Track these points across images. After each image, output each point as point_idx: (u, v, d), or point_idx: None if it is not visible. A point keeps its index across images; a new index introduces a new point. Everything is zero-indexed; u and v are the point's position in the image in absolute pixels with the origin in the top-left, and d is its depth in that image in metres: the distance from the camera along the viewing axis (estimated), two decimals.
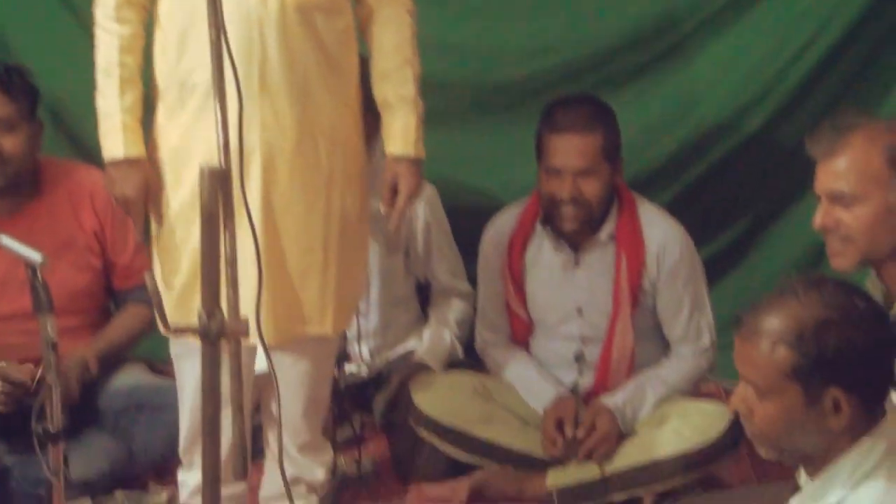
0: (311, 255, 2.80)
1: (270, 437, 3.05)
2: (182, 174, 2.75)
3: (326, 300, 2.83)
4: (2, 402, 3.18)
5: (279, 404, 2.27)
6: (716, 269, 3.85)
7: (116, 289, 3.48)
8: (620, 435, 3.29)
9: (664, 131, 3.95)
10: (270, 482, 3.13)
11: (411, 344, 3.75)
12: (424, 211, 3.68)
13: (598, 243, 3.36)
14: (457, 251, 3.79)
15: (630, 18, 3.89)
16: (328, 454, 3.12)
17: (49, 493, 2.98)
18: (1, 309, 3.32)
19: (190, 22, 2.68)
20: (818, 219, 2.42)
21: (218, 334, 2.04)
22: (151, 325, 3.42)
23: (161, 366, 3.85)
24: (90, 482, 3.28)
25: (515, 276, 3.44)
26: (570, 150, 3.23)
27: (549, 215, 3.35)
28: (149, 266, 3.34)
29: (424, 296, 3.86)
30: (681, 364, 3.42)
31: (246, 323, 2.07)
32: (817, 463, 1.98)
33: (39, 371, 3.13)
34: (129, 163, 2.74)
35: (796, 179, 3.87)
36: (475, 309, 3.70)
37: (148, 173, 2.77)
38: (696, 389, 3.50)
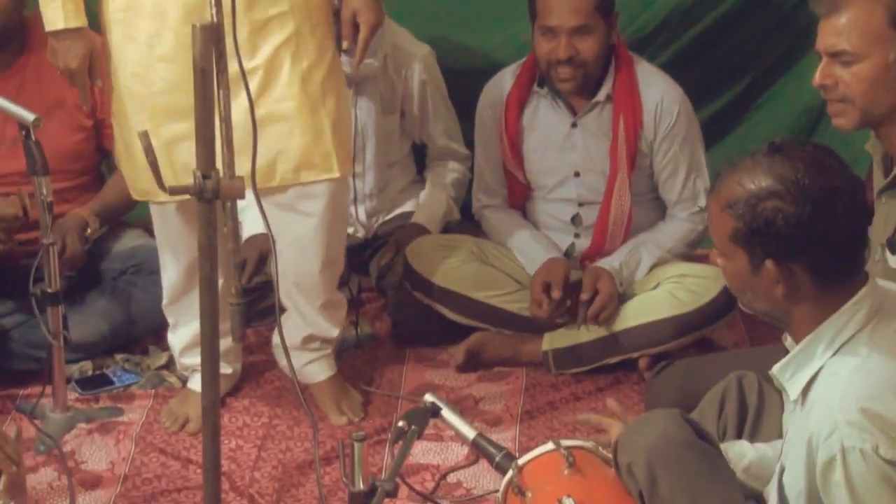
0: (289, 95, 2.76)
1: (287, 296, 3.06)
2: (135, 29, 2.70)
3: (324, 142, 2.81)
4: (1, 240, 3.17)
5: (275, 261, 2.25)
6: (714, 132, 3.83)
7: (108, 149, 3.46)
8: (618, 297, 3.31)
9: None
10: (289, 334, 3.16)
11: (408, 206, 3.75)
12: (420, 71, 3.64)
13: (596, 104, 3.34)
14: (453, 113, 3.76)
15: None
16: (343, 309, 3.13)
17: (49, 355, 3.02)
18: None
19: None
20: (818, 77, 2.41)
21: (214, 194, 2.04)
22: None
23: None
24: (90, 345, 3.32)
25: (512, 138, 3.42)
26: (564, 6, 3.18)
27: (546, 76, 3.32)
28: None
29: (421, 158, 3.85)
30: (677, 227, 3.42)
31: (242, 182, 2.07)
32: (791, 328, 2.01)
33: (27, 199, 3.12)
34: (70, 33, 2.71)
35: (796, 40, 3.83)
36: (472, 172, 3.69)
37: (92, 42, 2.75)
38: (691, 253, 3.51)
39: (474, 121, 3.54)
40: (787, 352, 2.07)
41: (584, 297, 3.27)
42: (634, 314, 3.29)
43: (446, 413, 2.46)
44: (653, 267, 3.37)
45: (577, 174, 3.41)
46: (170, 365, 3.32)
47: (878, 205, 2.52)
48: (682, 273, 3.33)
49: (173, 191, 2.05)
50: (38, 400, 3.08)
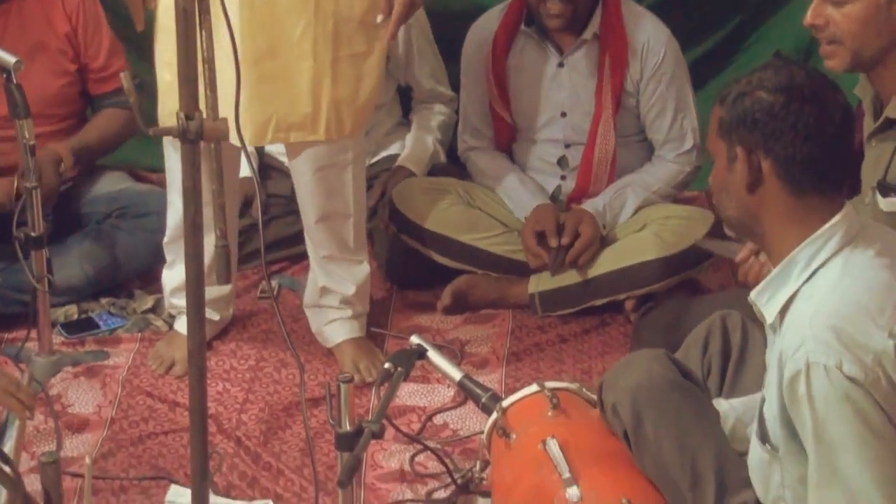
0: (299, 56, 2.75)
1: (308, 244, 3.08)
2: None
3: (319, 104, 2.80)
4: None
5: (258, 205, 2.24)
6: (702, 73, 3.81)
7: (93, 94, 3.43)
8: (602, 239, 3.31)
9: None
10: (308, 290, 3.16)
11: (393, 149, 3.73)
12: None
13: (583, 43, 3.32)
14: (438, 55, 3.73)
15: None
16: (360, 269, 3.09)
17: (33, 299, 3.02)
18: None
19: None
20: (809, 16, 2.40)
21: (197, 135, 2.02)
22: (130, 127, 3.39)
23: (143, 173, 3.86)
24: (74, 288, 3.31)
25: (499, 78, 3.41)
26: None
27: (534, 13, 3.29)
28: (125, 67, 3.31)
29: (406, 101, 3.82)
30: (663, 167, 3.42)
31: (225, 124, 2.05)
32: (767, 247, 2.01)
33: (15, 183, 3.11)
34: None
35: None
36: (457, 114, 3.67)
37: None
38: (678, 195, 3.51)
39: (460, 63, 3.52)
40: None
41: (566, 240, 3.27)
42: (621, 256, 3.29)
43: (432, 355, 2.47)
44: (639, 208, 3.37)
45: (563, 114, 3.40)
46: (156, 308, 3.32)
47: (868, 148, 2.52)
48: (668, 215, 3.33)
49: (156, 132, 2.03)
50: (23, 344, 3.08)
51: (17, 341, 3.13)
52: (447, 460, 2.65)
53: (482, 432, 2.43)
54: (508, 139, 3.53)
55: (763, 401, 2.03)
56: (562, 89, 3.38)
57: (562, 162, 3.46)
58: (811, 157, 1.93)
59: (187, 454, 2.33)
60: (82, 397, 2.98)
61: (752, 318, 2.46)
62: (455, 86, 3.68)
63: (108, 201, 3.43)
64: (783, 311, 1.98)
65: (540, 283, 3.34)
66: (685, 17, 3.78)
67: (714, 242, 2.93)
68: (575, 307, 3.33)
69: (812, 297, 1.92)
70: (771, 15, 3.96)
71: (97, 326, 3.26)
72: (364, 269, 3.11)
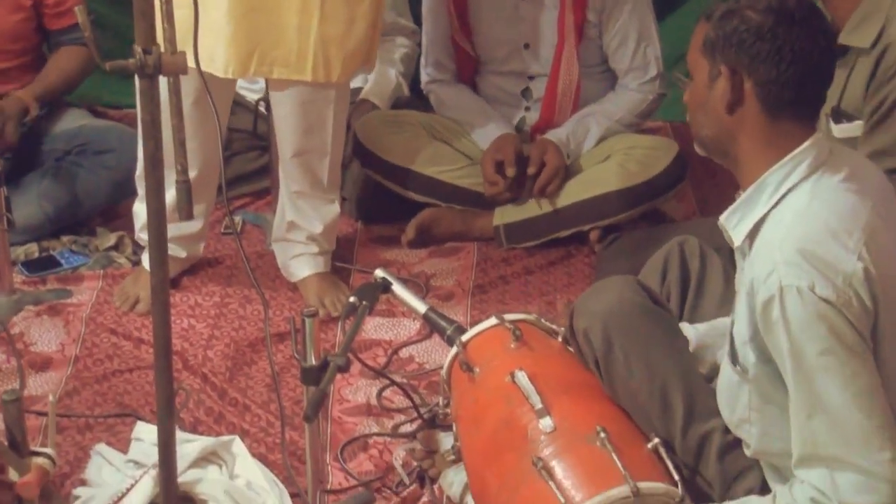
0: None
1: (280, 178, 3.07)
2: None
3: (306, 40, 2.76)
4: None
5: (220, 141, 2.21)
6: (666, 2, 3.79)
7: (49, 29, 3.38)
8: (566, 169, 3.31)
9: None
10: (275, 224, 3.16)
11: (356, 83, 3.70)
12: None
13: None
14: None
15: None
16: (329, 209, 3.08)
17: None
18: None
19: None
20: None
21: (155, 69, 1.99)
22: (89, 64, 3.34)
23: (103, 109, 3.81)
24: (34, 227, 3.28)
25: (461, 9, 3.38)
26: None
27: None
28: (80, 2, 3.25)
29: None
30: (626, 96, 3.41)
31: (184, 57, 2.02)
32: (738, 169, 2.01)
33: None
34: None
35: None
36: (420, 47, 3.64)
37: None
38: (642, 124, 3.51)
39: None
40: None
41: (531, 170, 3.26)
42: (585, 187, 3.29)
43: (397, 288, 2.46)
44: (602, 138, 3.36)
45: (526, 46, 3.38)
46: (118, 245, 3.29)
47: None
48: (633, 145, 3.33)
49: (113, 67, 2.00)
50: None
51: None
52: (413, 394, 2.66)
53: None
54: (471, 72, 3.51)
55: (732, 323, 2.05)
56: (524, 20, 3.35)
57: (525, 93, 3.45)
58: (794, 81, 1.92)
59: (153, 391, 2.32)
60: (45, 336, 2.97)
61: (713, 245, 2.48)
62: (417, 18, 3.65)
63: (67, 138, 3.39)
64: (752, 235, 1.98)
65: (505, 216, 3.34)
66: None
67: None
68: (540, 239, 3.33)
69: (781, 221, 1.93)
70: None
71: (59, 264, 3.23)
72: (334, 209, 3.09)
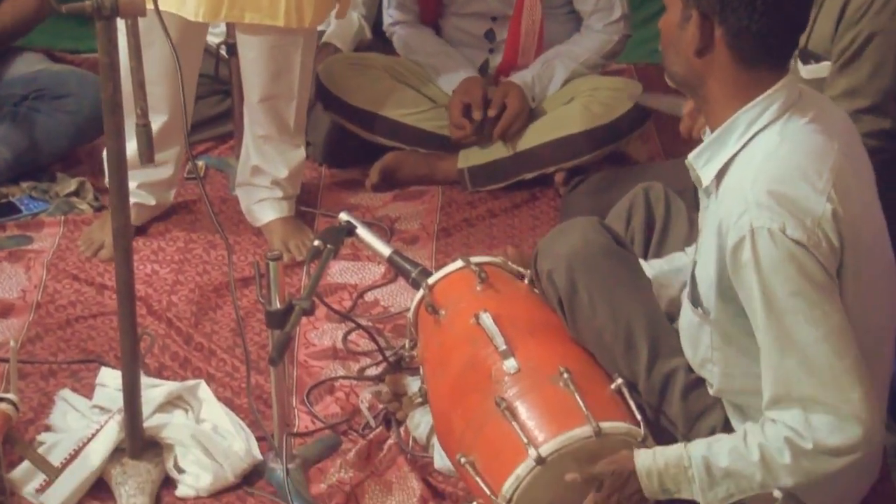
0: None
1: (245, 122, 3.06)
2: None
3: None
4: None
5: (182, 87, 2.18)
6: None
7: None
8: (530, 112, 3.30)
9: None
10: (239, 168, 3.14)
11: (319, 26, 3.66)
12: None
13: None
14: None
15: None
16: (295, 154, 3.06)
17: None
18: None
19: None
20: None
21: (112, 11, 1.97)
22: (44, 7, 3.29)
23: (61, 54, 3.76)
24: None
25: None
26: None
27: None
28: None
29: None
30: (591, 38, 3.39)
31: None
32: (708, 109, 2.00)
33: None
34: None
35: None
36: None
37: None
38: (607, 66, 3.50)
39: None
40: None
41: (492, 112, 3.26)
42: (549, 129, 3.28)
43: (361, 231, 2.45)
44: (568, 80, 3.35)
45: None
46: (79, 191, 3.26)
47: None
48: (597, 86, 3.32)
49: (69, 9, 1.97)
50: None
51: None
52: (379, 338, 2.66)
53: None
54: (434, 13, 3.48)
55: (695, 264, 2.05)
56: None
57: (489, 35, 3.42)
58: (765, 31, 1.90)
59: (117, 337, 2.31)
60: (6, 282, 2.94)
61: (678, 190, 2.48)
62: None
63: (24, 83, 3.34)
64: (720, 176, 1.98)
65: (469, 158, 3.33)
66: None
67: (656, 97, 2.90)
68: (504, 181, 3.33)
69: (751, 161, 1.93)
70: None
71: (19, 211, 3.20)
72: (300, 153, 3.08)
